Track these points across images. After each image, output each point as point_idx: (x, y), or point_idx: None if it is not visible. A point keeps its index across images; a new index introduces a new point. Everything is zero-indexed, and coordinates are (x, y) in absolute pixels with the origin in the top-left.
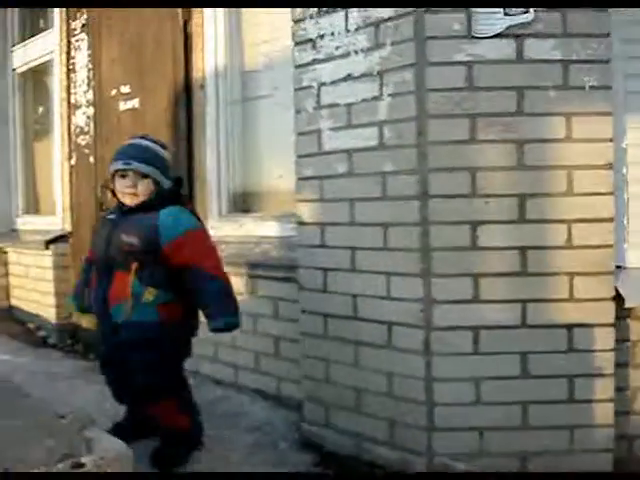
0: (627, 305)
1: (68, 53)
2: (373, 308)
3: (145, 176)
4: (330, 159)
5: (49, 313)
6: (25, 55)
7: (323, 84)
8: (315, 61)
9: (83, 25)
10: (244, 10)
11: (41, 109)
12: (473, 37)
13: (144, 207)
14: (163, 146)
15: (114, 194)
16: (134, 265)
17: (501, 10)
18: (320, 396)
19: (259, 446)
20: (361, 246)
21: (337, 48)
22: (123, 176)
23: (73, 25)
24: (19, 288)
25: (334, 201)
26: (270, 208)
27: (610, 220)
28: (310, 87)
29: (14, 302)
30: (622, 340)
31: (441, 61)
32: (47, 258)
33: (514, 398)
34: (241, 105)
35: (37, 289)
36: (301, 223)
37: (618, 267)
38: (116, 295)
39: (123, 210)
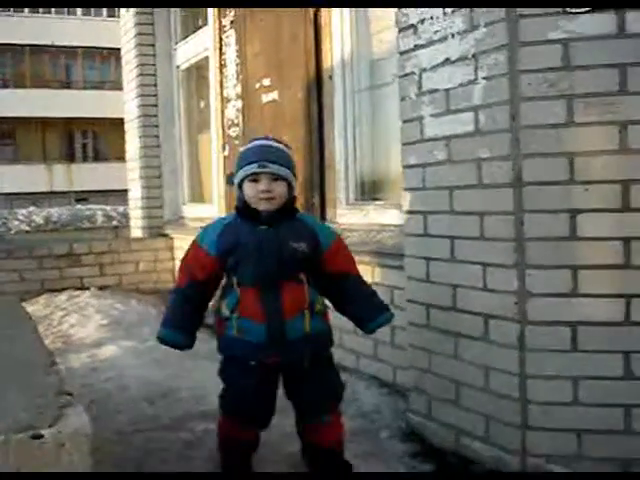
0: None
1: (220, 49)
2: (470, 299)
3: (277, 178)
4: (431, 146)
5: None
6: (186, 52)
7: (424, 70)
8: (417, 47)
9: (231, 22)
10: None
11: (202, 103)
12: (568, 13)
13: (283, 213)
14: (287, 146)
15: (244, 201)
16: (303, 273)
17: None
18: (424, 386)
19: (360, 433)
20: (459, 235)
21: (436, 32)
22: (255, 180)
23: (223, 22)
24: None
25: (435, 189)
26: (395, 196)
27: None
28: (412, 74)
29: None
30: None
31: (535, 40)
32: None
33: (616, 400)
34: (368, 93)
35: None
36: (407, 212)
37: None
38: (293, 307)
39: (263, 216)
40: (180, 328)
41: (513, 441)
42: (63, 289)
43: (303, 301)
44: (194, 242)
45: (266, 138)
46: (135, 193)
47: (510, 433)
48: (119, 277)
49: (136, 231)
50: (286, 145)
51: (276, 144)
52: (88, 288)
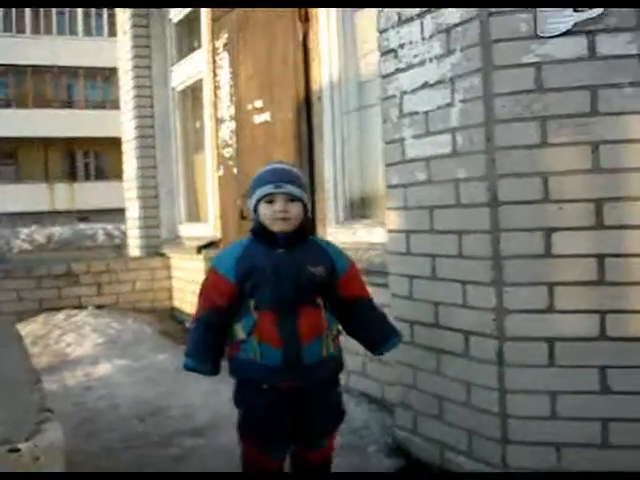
0: None
1: (214, 71)
2: (451, 316)
3: (292, 200)
4: (412, 167)
5: None
6: (181, 74)
7: (404, 93)
8: (398, 70)
9: (225, 44)
10: (356, 21)
11: (198, 124)
12: (540, 37)
13: (299, 234)
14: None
15: (259, 223)
16: (320, 298)
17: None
18: (409, 402)
19: (348, 448)
20: (440, 254)
21: (415, 56)
22: (271, 201)
23: (217, 44)
24: (179, 290)
25: (416, 209)
26: (382, 215)
27: None
28: (394, 96)
29: (176, 303)
30: None
31: (508, 64)
32: (199, 263)
33: (593, 414)
34: (357, 114)
35: (193, 292)
36: (390, 231)
37: None
38: (310, 332)
39: (280, 238)
40: (204, 357)
41: (494, 455)
42: (61, 308)
43: (320, 325)
44: (212, 269)
45: (280, 162)
46: (133, 213)
47: (491, 447)
48: (116, 296)
49: (134, 250)
50: (298, 169)
51: (290, 167)
52: (86, 307)
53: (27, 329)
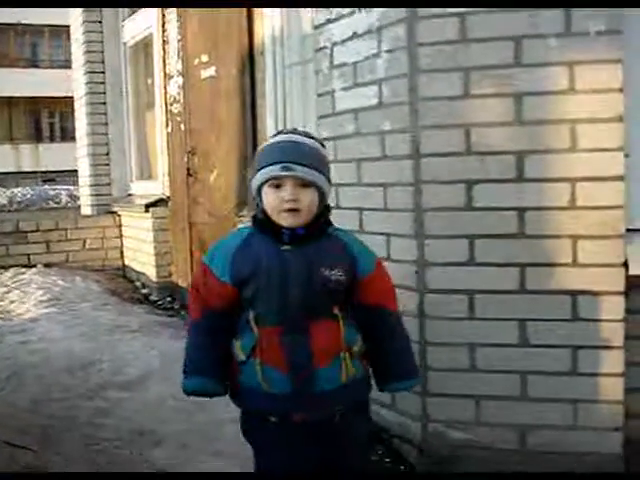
0: (632, 272)
1: (163, 26)
2: None
3: (305, 185)
4: (341, 119)
5: (151, 272)
6: (133, 29)
7: (335, 44)
8: (329, 21)
9: None
10: None
11: (149, 80)
12: None
13: (314, 229)
14: (321, 144)
15: (264, 213)
16: (337, 308)
17: None
18: None
19: None
20: (367, 207)
21: None
22: (277, 186)
23: None
24: (129, 249)
25: (345, 162)
26: None
27: (619, 179)
28: (325, 47)
29: (126, 261)
30: (636, 311)
31: (432, 13)
32: (148, 221)
33: (512, 367)
34: (299, 69)
35: (142, 250)
36: None
37: (630, 230)
38: (325, 352)
39: (289, 235)
40: (205, 372)
41: (415, 407)
42: (10, 266)
43: (338, 343)
44: (202, 264)
45: (293, 131)
46: (84, 171)
47: (412, 400)
48: (66, 254)
49: (86, 209)
50: (320, 142)
51: (306, 139)
52: (35, 265)
53: None
